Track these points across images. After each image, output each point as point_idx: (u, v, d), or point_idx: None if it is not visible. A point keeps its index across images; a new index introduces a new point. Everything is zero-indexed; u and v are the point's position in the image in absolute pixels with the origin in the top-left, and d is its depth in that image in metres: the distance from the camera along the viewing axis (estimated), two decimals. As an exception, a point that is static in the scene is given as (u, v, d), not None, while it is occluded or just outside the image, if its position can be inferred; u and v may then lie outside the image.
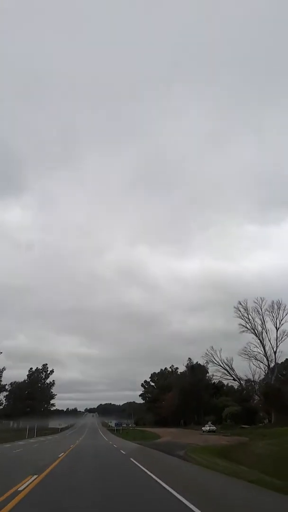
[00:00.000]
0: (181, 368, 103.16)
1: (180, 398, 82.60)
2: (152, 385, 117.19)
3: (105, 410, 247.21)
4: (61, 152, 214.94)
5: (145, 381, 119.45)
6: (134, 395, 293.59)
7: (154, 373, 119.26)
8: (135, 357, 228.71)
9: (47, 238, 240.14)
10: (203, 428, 56.74)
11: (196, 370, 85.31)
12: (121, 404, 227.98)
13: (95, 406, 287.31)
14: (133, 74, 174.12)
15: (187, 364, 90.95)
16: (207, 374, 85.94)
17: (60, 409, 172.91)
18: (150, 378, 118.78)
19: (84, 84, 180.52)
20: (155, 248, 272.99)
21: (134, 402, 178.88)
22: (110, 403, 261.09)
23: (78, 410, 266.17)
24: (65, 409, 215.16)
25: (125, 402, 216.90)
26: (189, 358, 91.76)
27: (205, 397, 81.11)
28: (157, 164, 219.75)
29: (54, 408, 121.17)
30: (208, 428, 54.68)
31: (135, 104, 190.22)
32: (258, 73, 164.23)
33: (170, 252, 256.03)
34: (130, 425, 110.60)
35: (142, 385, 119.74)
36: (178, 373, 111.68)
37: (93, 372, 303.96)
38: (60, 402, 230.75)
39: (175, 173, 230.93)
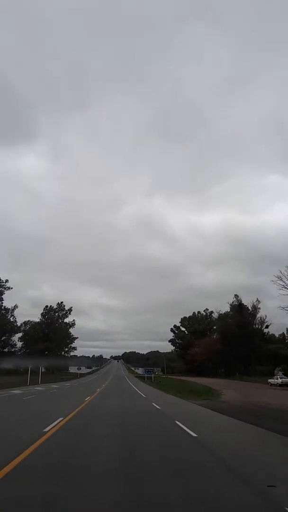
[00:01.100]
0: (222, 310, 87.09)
1: (223, 343, 67.08)
2: (183, 330, 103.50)
3: (130, 357, 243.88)
4: (74, 98, 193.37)
5: (175, 326, 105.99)
6: (156, 345, 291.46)
7: (185, 317, 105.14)
8: (155, 308, 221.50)
9: (63, 188, 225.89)
10: (270, 380, 40.92)
11: (244, 311, 68.29)
12: (145, 353, 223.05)
13: (120, 354, 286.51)
14: (148, 11, 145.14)
15: (233, 302, 72.30)
16: (258, 316, 69.59)
17: (86, 355, 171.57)
18: (180, 322, 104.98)
19: (97, 25, 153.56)
20: (173, 200, 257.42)
21: (158, 351, 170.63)
22: (134, 352, 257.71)
23: (104, 357, 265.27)
24: (91, 356, 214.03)
25: (149, 351, 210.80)
26: (236, 295, 72.96)
27: (256, 343, 64.71)
28: (174, 110, 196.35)
29: (75, 352, 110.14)
30: (280, 380, 38.69)
31: (150, 45, 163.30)
32: (285, 12, 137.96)
33: (188, 204, 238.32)
34: (157, 373, 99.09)
35: (171, 330, 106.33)
36: (213, 318, 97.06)
37: (116, 322, 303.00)
38: (86, 349, 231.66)
39: (192, 121, 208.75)
